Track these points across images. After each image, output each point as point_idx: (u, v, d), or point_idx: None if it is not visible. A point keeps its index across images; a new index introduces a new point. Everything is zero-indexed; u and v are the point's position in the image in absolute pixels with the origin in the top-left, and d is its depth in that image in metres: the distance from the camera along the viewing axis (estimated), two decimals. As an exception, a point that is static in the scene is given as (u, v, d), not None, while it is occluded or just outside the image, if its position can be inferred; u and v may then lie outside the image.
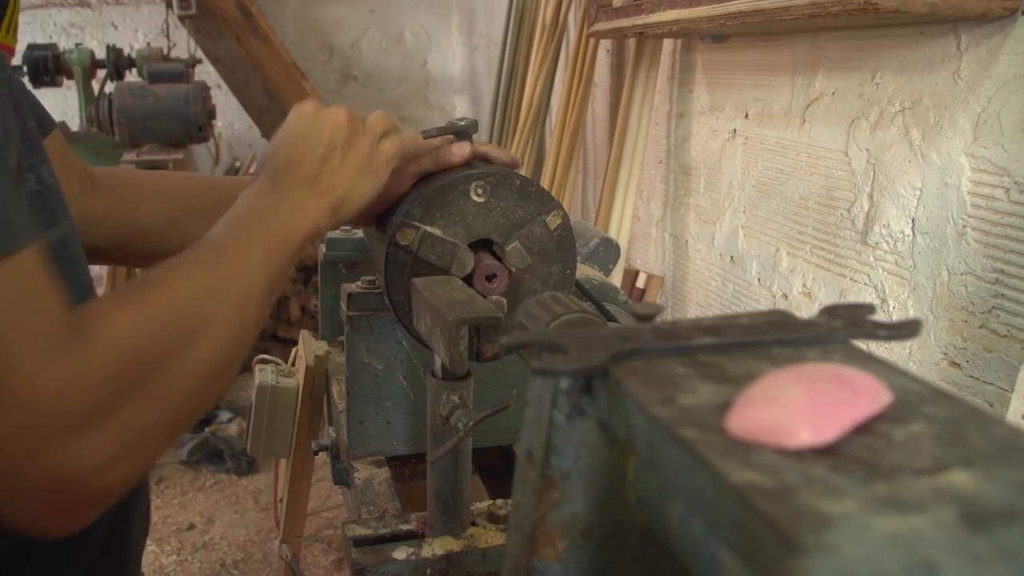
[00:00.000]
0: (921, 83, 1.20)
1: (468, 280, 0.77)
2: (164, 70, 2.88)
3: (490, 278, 0.77)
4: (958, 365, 1.15)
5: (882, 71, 1.28)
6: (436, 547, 0.75)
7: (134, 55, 3.14)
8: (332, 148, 0.71)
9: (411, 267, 0.76)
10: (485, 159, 0.82)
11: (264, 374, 1.29)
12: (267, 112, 3.51)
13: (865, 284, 1.34)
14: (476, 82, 3.95)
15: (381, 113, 0.76)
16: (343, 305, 0.93)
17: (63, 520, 0.53)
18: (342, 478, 0.99)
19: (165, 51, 3.37)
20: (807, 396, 0.31)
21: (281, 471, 1.46)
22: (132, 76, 3.15)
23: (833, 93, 1.39)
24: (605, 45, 2.27)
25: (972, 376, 1.13)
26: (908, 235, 1.23)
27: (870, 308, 0.41)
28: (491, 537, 0.77)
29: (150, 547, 0.77)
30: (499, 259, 0.78)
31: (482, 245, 0.79)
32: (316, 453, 1.07)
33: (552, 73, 2.55)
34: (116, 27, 3.96)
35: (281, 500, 1.47)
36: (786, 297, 1.56)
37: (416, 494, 0.92)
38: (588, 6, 1.99)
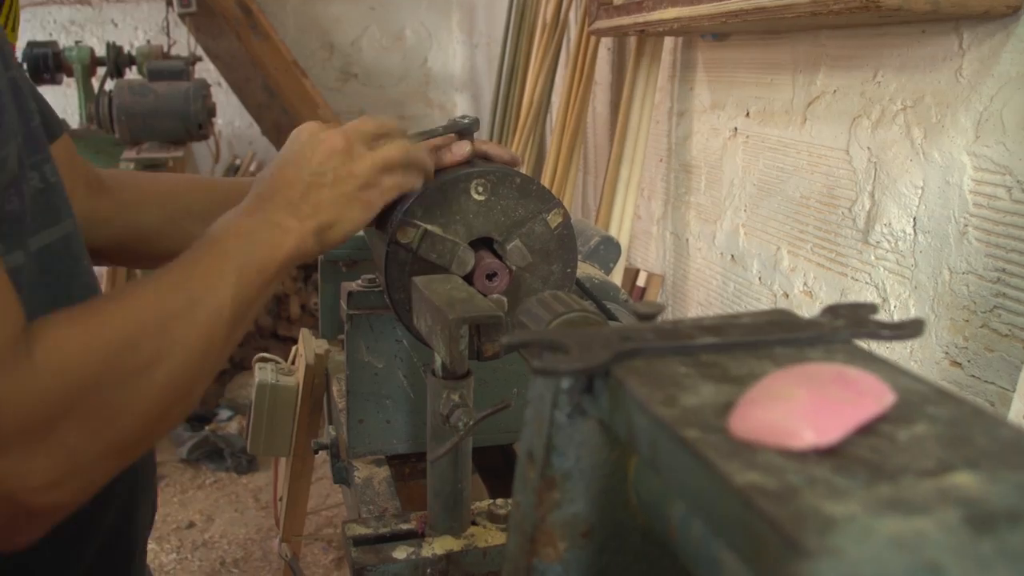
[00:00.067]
0: (923, 81, 1.19)
1: (468, 278, 0.76)
2: (164, 68, 2.87)
3: (491, 276, 0.77)
4: (959, 364, 1.15)
5: (884, 69, 1.27)
6: (436, 546, 0.74)
7: (134, 53, 3.14)
8: (321, 174, 0.69)
9: (411, 265, 0.76)
10: (486, 157, 0.82)
11: (264, 372, 1.29)
12: (267, 110, 3.51)
13: (866, 283, 1.33)
14: (477, 80, 3.95)
15: (401, 145, 0.73)
16: (343, 303, 0.93)
17: (6, 535, 0.52)
18: (342, 477, 0.99)
19: (165, 49, 3.36)
20: (810, 397, 0.31)
21: (281, 469, 1.46)
22: (132, 74, 3.14)
23: (834, 91, 1.39)
24: (606, 43, 2.27)
25: (974, 375, 1.12)
26: (909, 234, 1.23)
27: (872, 308, 0.41)
28: (491, 537, 0.76)
29: (150, 545, 0.77)
30: (500, 257, 0.78)
31: (483, 243, 0.78)
32: (316, 452, 1.07)
33: (553, 71, 2.55)
34: (116, 24, 3.96)
35: (281, 499, 1.47)
36: (787, 296, 1.55)
37: (416, 493, 0.92)
38: (589, 4, 1.99)
